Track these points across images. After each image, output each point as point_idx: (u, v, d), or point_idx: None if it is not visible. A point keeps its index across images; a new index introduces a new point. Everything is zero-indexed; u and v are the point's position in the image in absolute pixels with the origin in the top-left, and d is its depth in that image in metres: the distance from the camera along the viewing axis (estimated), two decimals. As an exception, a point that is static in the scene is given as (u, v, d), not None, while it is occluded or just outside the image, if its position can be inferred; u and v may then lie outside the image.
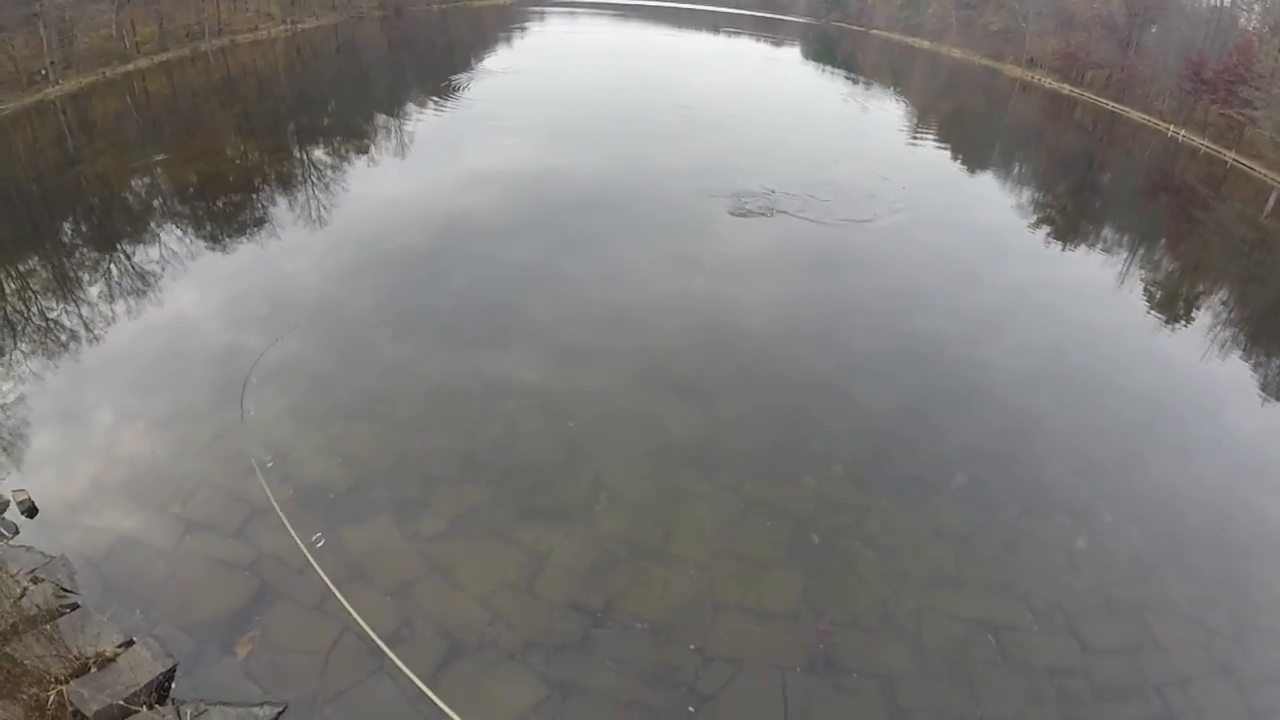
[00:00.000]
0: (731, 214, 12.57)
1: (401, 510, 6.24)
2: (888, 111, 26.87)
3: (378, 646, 5.05)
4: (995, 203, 18.79)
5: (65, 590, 5.71)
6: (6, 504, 6.78)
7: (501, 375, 7.76)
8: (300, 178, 16.65)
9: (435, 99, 23.76)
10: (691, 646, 4.99)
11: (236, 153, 19.68)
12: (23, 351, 9.98)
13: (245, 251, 12.63)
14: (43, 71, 22.74)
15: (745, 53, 43.51)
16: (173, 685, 4.98)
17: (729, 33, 50.64)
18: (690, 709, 4.66)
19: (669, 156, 16.08)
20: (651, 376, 7.78)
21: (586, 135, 18.28)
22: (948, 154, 21.21)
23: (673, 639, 5.11)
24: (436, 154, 17.49)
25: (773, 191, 14.29)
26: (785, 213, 13.20)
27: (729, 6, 72.18)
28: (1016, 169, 23.74)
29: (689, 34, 39.39)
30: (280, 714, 4.74)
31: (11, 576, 5.68)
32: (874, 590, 5.47)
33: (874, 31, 63.19)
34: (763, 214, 12.80)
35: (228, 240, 13.29)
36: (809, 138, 20.53)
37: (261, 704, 4.78)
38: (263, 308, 10.03)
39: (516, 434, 6.96)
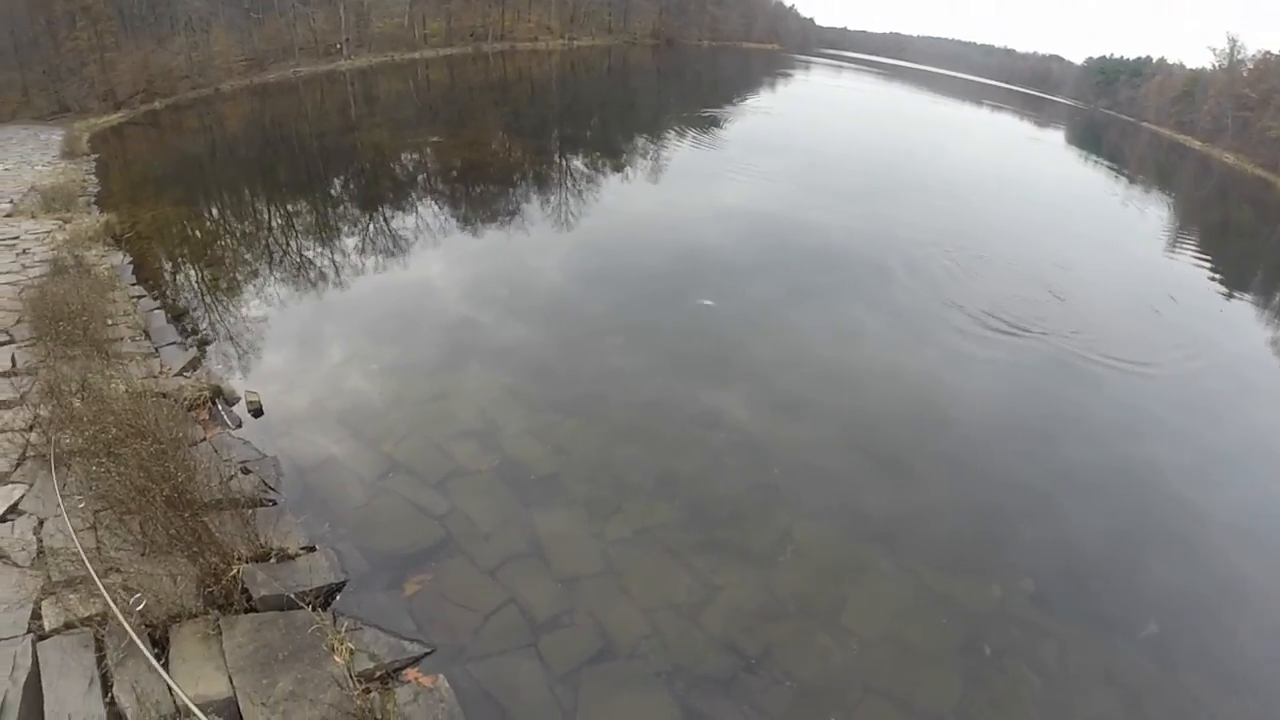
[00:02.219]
0: (972, 313, 11.22)
1: (593, 508, 6.54)
2: (1147, 214, 24.06)
3: (535, 624, 5.35)
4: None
5: (268, 487, 6.39)
6: (238, 400, 7.94)
7: (715, 407, 7.89)
8: (555, 181, 17.97)
9: (694, 130, 24.67)
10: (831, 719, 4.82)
11: (501, 148, 21.61)
12: (277, 278, 11.52)
13: (494, 237, 13.88)
14: (338, 46, 26.62)
15: (1006, 128, 41.60)
16: (337, 598, 5.40)
17: (992, 106, 48.74)
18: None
19: (914, 229, 15.30)
20: (860, 442, 7.48)
21: (834, 190, 17.98)
22: (1218, 277, 17.77)
23: (816, 707, 4.92)
24: (685, 183, 18.10)
25: (1024, 299, 12.24)
26: (1037, 333, 11.00)
27: (995, 79, 69.53)
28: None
29: (951, 102, 38.16)
30: (426, 655, 4.96)
31: (225, 461, 6.56)
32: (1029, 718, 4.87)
33: (1144, 124, 58.26)
34: (1011, 332, 10.58)
35: (479, 224, 14.67)
36: (1064, 227, 18.41)
37: (413, 640, 5.03)
38: (501, 291, 11.04)
39: (718, 466, 7.03)
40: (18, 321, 8.71)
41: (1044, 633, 5.69)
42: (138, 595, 4.78)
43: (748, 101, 32.37)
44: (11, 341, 8.29)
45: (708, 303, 10.38)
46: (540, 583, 5.72)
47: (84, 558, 5.02)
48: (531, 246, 13.51)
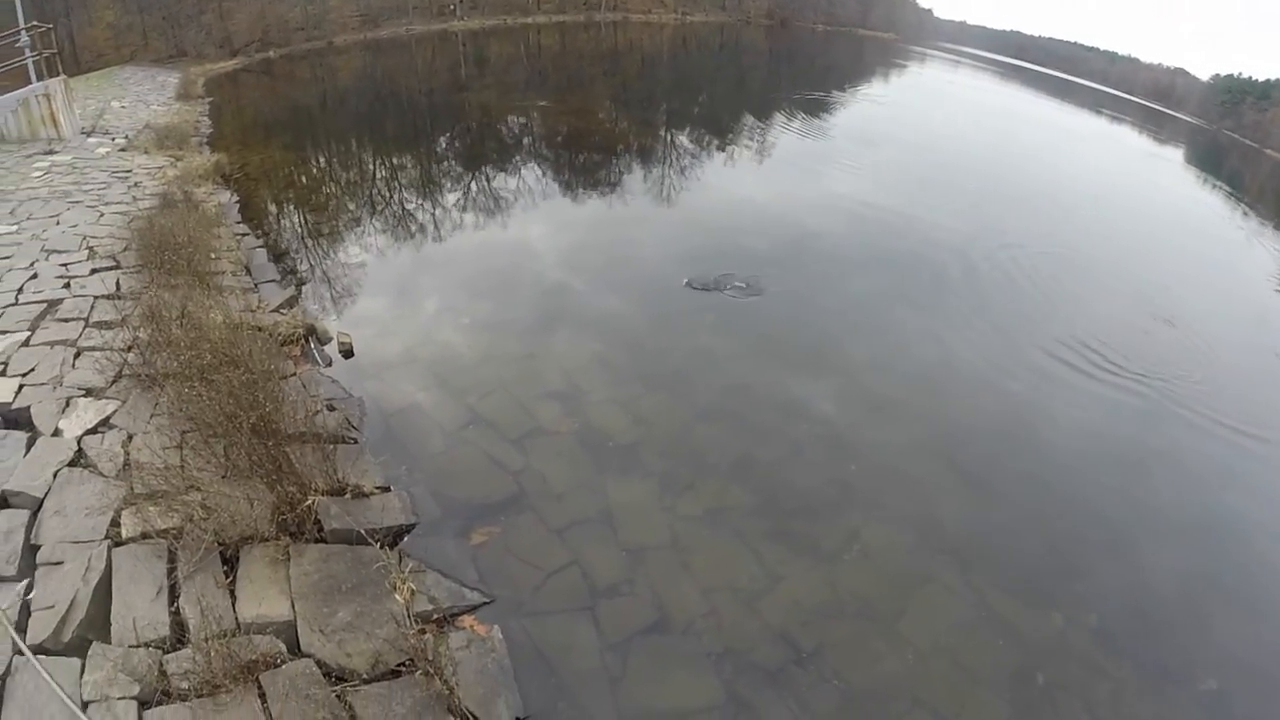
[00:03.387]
0: (1076, 334, 9.84)
1: (666, 482, 6.47)
2: (1267, 247, 21.42)
3: (595, 589, 5.34)
4: None
5: (351, 426, 6.51)
6: (330, 340, 8.15)
7: (800, 398, 7.78)
8: (659, 155, 17.87)
9: (803, 114, 24.12)
10: None
11: (607, 117, 21.66)
12: (377, 228, 11.79)
13: (593, 206, 13.93)
14: (451, 6, 27.01)
15: (1123, 139, 38.62)
16: (405, 539, 5.47)
17: (1111, 116, 45.48)
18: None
19: (1022, 237, 14.27)
20: (942, 451, 7.17)
21: (942, 189, 17.11)
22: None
23: (861, 711, 4.70)
24: (789, 168, 17.62)
25: (1131, 326, 10.61)
26: (1141, 367, 9.44)
27: (1117, 88, 64.79)
28: None
29: (1069, 108, 35.72)
30: (485, 604, 4.98)
31: (312, 397, 6.70)
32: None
33: (1268, 151, 53.26)
34: (1114, 361, 9.44)
35: (579, 191, 14.74)
36: (1178, 251, 16.22)
37: (473, 589, 5.06)
38: (597, 259, 11.11)
39: (797, 457, 6.93)
40: (125, 249, 9.15)
41: (1100, 671, 5.35)
42: (214, 514, 4.88)
43: (859, 89, 31.49)
44: (118, 267, 8.72)
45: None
46: (605, 549, 5.73)
47: (167, 473, 5.18)
48: (630, 218, 13.44)
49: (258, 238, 10.79)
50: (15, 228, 9.89)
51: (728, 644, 5.03)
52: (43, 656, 4.04)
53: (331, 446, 6.03)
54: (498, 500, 6.13)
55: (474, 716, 4.12)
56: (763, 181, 16.53)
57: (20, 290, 7.95)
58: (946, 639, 5.30)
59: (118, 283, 8.32)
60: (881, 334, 9.57)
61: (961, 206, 15.01)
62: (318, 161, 16.69)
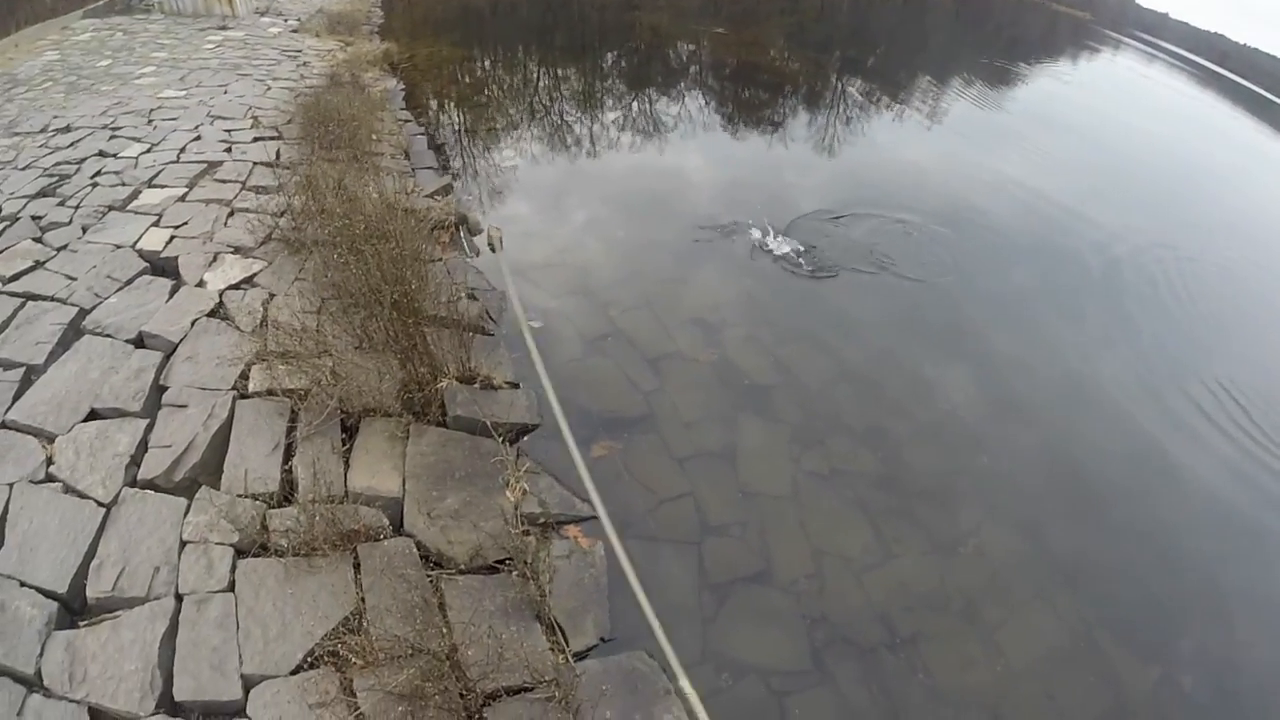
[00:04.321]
0: (1216, 391, 7.85)
1: (797, 433, 6.05)
2: None
3: (706, 525, 5.03)
4: None
5: (490, 318, 6.41)
6: (480, 232, 8.10)
7: (943, 378, 7.22)
8: (827, 103, 16.78)
9: (982, 83, 22.23)
10: None
11: (779, 55, 20.72)
12: (535, 135, 11.65)
13: (755, 144, 13.34)
14: None
15: None
16: (526, 439, 5.25)
17: None
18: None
19: (1199, 259, 12.09)
20: (1072, 471, 6.49)
21: (1121, 189, 14.96)
22: None
23: (939, 713, 4.28)
24: (959, 138, 16.05)
25: None
26: None
27: None
28: None
29: (1265, 128, 30.83)
30: (592, 518, 4.68)
31: (456, 283, 6.58)
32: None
33: None
34: (1251, 436, 6.88)
35: (743, 127, 14.12)
36: None
37: (585, 500, 4.73)
38: (753, 197, 10.48)
39: (930, 438, 6.35)
40: (288, 122, 9.33)
41: None
42: (342, 381, 4.77)
43: (1046, 65, 28.77)
44: (279, 138, 8.88)
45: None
46: (724, 487, 5.41)
47: (301, 335, 5.12)
48: (792, 162, 12.67)
49: (419, 126, 10.77)
50: (184, 93, 10.28)
51: (826, 611, 4.71)
52: (150, 492, 4.01)
53: (469, 335, 5.85)
54: (625, 417, 5.86)
55: (560, 627, 3.89)
56: (928, 147, 15.26)
57: (183, 150, 8.22)
58: (1041, 662, 4.78)
59: (278, 152, 8.44)
60: (1028, 332, 8.59)
61: (1135, 216, 13.23)
62: (483, 63, 16.67)
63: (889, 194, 11.66)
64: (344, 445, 4.57)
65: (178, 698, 3.19)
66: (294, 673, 3.34)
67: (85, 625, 3.42)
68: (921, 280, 8.97)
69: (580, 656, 3.84)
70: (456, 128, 11.93)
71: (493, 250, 7.66)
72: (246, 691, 3.24)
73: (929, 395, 7.02)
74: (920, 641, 4.66)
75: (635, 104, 14.58)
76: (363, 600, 3.67)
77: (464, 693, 3.30)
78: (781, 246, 9.01)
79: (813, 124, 14.94)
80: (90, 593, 3.52)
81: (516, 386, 5.63)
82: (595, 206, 9.64)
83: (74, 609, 3.53)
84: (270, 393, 4.79)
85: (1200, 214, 14.37)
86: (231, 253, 6.36)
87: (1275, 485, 6.85)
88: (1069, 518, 6.03)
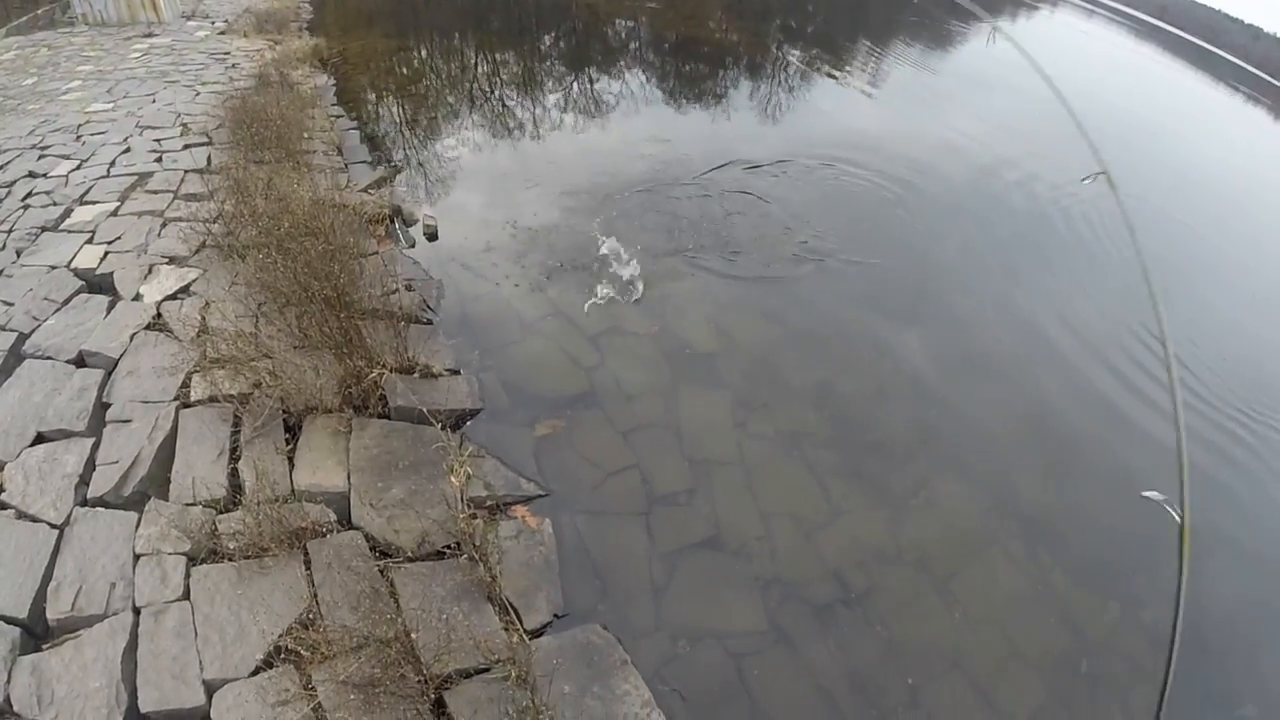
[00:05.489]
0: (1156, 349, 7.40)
1: (742, 398, 6.13)
2: None
3: (653, 496, 5.10)
4: None
5: (427, 306, 6.42)
6: (416, 222, 8.13)
7: (891, 335, 7.23)
8: (768, 73, 16.75)
9: (923, 44, 22.25)
10: (910, 681, 4.30)
11: (718, 26, 20.49)
12: (474, 122, 11.63)
13: (698, 118, 13.17)
14: None
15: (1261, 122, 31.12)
16: (468, 424, 5.34)
17: (1247, 95, 38.70)
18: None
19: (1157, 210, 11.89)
20: (1027, 423, 6.58)
21: (1063, 143, 14.78)
22: None
23: (899, 663, 4.40)
24: (900, 101, 16.06)
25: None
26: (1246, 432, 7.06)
27: (1258, 68, 55.56)
28: None
29: (1205, 78, 30.55)
30: (540, 497, 4.82)
31: (392, 276, 6.60)
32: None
33: None
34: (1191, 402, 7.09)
35: (684, 102, 14.00)
36: None
37: (530, 480, 4.88)
38: (699, 167, 10.31)
39: (878, 394, 6.43)
40: (218, 126, 9.24)
41: (1145, 675, 4.84)
42: (281, 381, 4.84)
43: (983, 23, 28.76)
44: (210, 143, 8.80)
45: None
46: (669, 457, 5.48)
47: (239, 340, 5.16)
48: (736, 136, 12.66)
49: (351, 120, 10.69)
50: (111, 105, 10.12)
51: (778, 572, 4.81)
52: (101, 509, 4.08)
53: (405, 325, 5.93)
54: (567, 395, 5.92)
55: (513, 607, 3.99)
56: (870, 111, 15.33)
57: (113, 164, 8.13)
58: (998, 608, 4.90)
59: (209, 158, 8.38)
60: (982, 285, 8.70)
61: (1082, 164, 13.19)
62: (419, 52, 16.44)
63: (839, 159, 11.71)
64: (288, 445, 4.63)
65: (143, 709, 3.27)
66: (254, 674, 3.43)
67: (48, 648, 3.49)
68: (870, 237, 9.11)
69: (535, 634, 3.95)
70: (394, 121, 11.78)
71: (430, 240, 7.73)
72: (210, 696, 3.33)
73: (877, 351, 7.08)
74: (875, 595, 4.79)
75: (575, 85, 14.49)
76: (315, 595, 3.77)
77: (421, 678, 3.40)
78: (733, 223, 9.04)
79: (755, 95, 14.89)
80: (50, 615, 3.59)
81: (456, 373, 5.70)
82: (537, 189, 9.53)
83: (36, 633, 3.59)
84: (212, 400, 4.82)
85: (1140, 159, 14.61)
86: (166, 263, 6.34)
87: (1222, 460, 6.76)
88: (1025, 467, 6.19)
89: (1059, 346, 7.66)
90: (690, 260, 8.00)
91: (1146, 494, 5.95)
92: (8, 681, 3.31)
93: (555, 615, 4.10)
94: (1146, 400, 7.12)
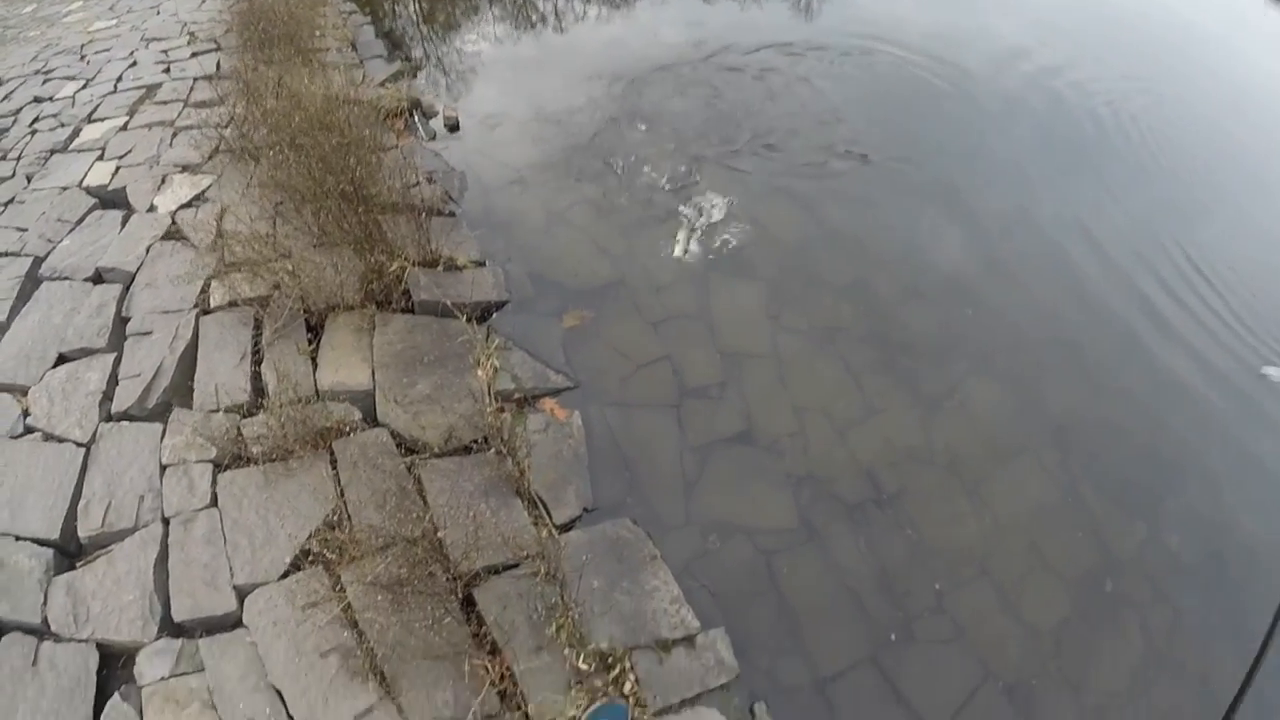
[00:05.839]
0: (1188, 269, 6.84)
1: (776, 289, 5.78)
2: None
3: (684, 388, 4.87)
4: None
5: (450, 198, 6.11)
6: (436, 114, 7.74)
7: (928, 233, 6.70)
8: None
9: None
10: (936, 586, 4.16)
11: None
12: (495, 15, 10.77)
13: (727, 4, 11.91)
14: None
15: None
16: (494, 316, 5.10)
17: None
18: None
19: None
20: (1066, 330, 6.08)
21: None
22: None
23: (927, 566, 4.24)
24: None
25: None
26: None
27: None
28: None
29: None
30: (568, 389, 4.60)
31: (412, 169, 6.21)
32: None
33: None
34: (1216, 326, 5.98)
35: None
36: None
37: (559, 372, 4.65)
38: (734, 61, 9.38)
39: (914, 293, 5.97)
40: (226, 32, 8.87)
41: (1166, 599, 4.49)
42: (301, 280, 4.65)
43: None
44: (218, 49, 8.48)
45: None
46: (701, 349, 5.22)
47: (256, 242, 4.98)
48: (770, 22, 11.71)
49: (365, 16, 10.21)
50: (114, 22, 9.82)
51: (810, 468, 4.59)
52: (126, 423, 3.97)
53: (427, 218, 5.62)
54: (595, 285, 5.62)
55: (542, 501, 3.80)
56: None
57: (119, 79, 7.87)
58: (1027, 517, 4.66)
59: (218, 64, 8.07)
60: (1019, 190, 7.97)
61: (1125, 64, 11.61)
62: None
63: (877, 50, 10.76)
64: (310, 345, 4.44)
65: (177, 618, 3.21)
66: (283, 577, 3.33)
67: (82, 565, 3.44)
68: (903, 133, 8.44)
69: (564, 529, 3.79)
70: (411, 16, 11.31)
71: (450, 131, 7.37)
72: (241, 601, 3.26)
73: (913, 249, 6.59)
74: (906, 497, 4.55)
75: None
76: (342, 495, 3.62)
77: (449, 575, 3.27)
78: (770, 114, 8.42)
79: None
80: (82, 533, 3.53)
81: (481, 265, 5.40)
82: (563, 80, 8.93)
83: (69, 552, 3.55)
84: (232, 304, 4.65)
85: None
86: (179, 172, 6.12)
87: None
88: (1061, 375, 5.76)
89: (1109, 256, 7.11)
90: (723, 150, 7.48)
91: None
92: (44, 603, 3.27)
93: (584, 509, 3.91)
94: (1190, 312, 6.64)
